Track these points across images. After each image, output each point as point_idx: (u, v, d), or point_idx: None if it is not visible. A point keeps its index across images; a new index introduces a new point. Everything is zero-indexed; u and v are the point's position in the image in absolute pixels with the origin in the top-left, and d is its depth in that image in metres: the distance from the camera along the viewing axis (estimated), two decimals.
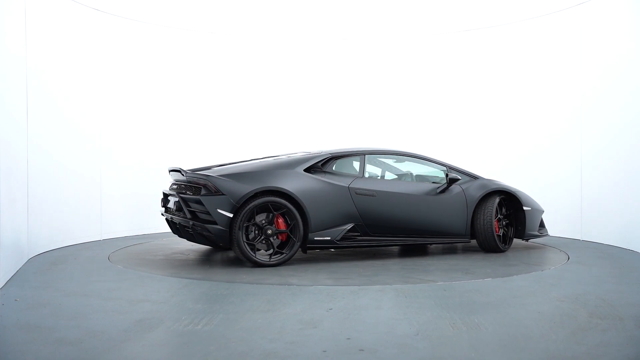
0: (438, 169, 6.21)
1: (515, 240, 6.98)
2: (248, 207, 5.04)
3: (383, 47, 8.96)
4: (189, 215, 5.15)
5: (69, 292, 4.11)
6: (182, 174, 5.35)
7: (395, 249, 6.42)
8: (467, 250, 6.35)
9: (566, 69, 7.36)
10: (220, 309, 3.63)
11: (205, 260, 5.58)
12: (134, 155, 7.65)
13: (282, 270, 5.02)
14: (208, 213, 5.01)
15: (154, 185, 7.58)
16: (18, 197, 5.09)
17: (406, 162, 6.31)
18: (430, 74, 8.80)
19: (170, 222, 5.79)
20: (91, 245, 6.61)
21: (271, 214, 5.16)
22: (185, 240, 6.45)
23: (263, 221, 5.13)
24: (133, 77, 7.66)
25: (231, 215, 4.99)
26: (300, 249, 5.39)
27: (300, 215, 5.20)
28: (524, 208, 6.25)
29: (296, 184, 5.26)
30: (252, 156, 6.90)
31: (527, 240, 6.41)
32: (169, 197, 5.69)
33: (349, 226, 5.46)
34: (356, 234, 5.52)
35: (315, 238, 5.29)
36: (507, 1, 8.09)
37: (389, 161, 6.33)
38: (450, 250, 6.34)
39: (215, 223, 4.99)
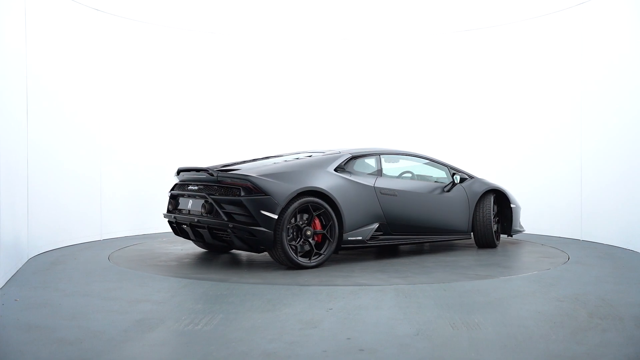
0: (439, 168, 6.35)
1: (514, 239, 7.01)
2: (291, 207, 4.89)
3: (383, 47, 8.96)
4: (225, 218, 4.86)
5: (69, 292, 4.11)
6: (211, 174, 5.06)
7: (382, 248, 6.42)
8: (458, 247, 6.35)
9: (566, 69, 7.35)
10: (220, 309, 3.63)
11: (205, 261, 5.57)
12: (134, 155, 7.64)
13: (331, 270, 4.97)
14: (250, 215, 4.77)
15: (154, 185, 7.59)
16: (18, 197, 5.09)
17: (401, 161, 6.36)
18: (430, 74, 8.80)
19: (174, 224, 5.57)
20: (91, 245, 6.61)
21: (308, 215, 5.04)
22: (184, 240, 6.47)
23: (301, 222, 5.02)
24: (133, 77, 7.66)
25: (276, 216, 4.80)
26: None
27: (335, 215, 5.16)
28: (511, 206, 6.58)
29: (331, 183, 5.22)
30: (252, 156, 6.89)
31: (512, 235, 6.67)
32: (181, 199, 5.46)
33: (375, 225, 5.47)
34: (380, 233, 5.54)
35: (349, 238, 5.27)
36: (507, 1, 8.09)
37: (393, 161, 6.37)
38: (449, 248, 6.34)
39: (258, 225, 4.78)
